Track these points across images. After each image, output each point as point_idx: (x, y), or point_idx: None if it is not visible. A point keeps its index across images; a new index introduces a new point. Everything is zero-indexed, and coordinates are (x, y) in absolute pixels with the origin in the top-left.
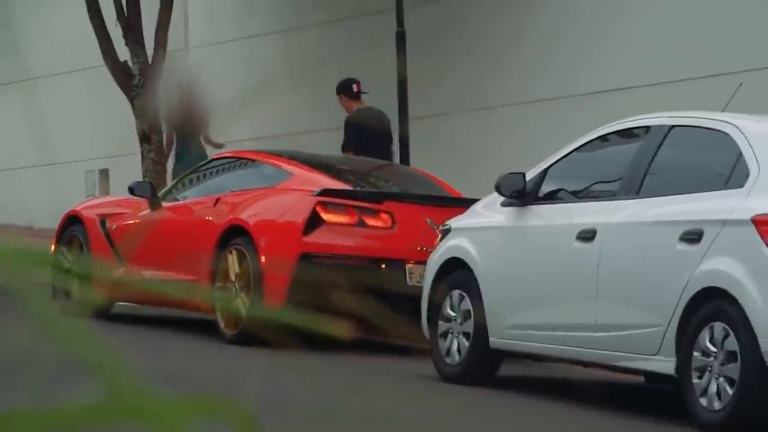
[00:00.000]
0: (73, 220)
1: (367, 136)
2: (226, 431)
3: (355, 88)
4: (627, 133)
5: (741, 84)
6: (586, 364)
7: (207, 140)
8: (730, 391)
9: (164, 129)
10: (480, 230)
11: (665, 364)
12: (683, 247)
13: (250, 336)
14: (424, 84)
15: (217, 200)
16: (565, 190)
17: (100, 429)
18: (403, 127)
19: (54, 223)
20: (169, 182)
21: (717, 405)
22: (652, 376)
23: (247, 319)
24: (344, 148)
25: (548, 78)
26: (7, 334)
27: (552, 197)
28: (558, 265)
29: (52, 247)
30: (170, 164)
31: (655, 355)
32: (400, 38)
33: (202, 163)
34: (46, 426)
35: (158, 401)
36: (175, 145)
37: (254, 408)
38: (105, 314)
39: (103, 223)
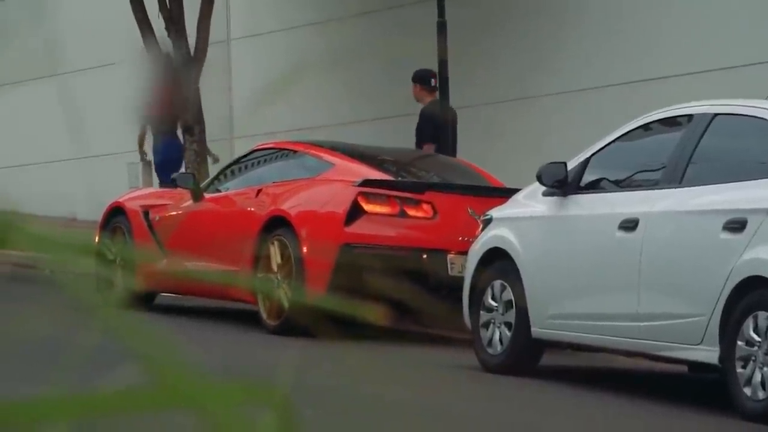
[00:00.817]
0: (116, 211)
1: (439, 130)
2: (265, 415)
3: (432, 81)
4: (669, 122)
5: None
6: (629, 354)
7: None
8: None
9: (139, 124)
10: (521, 220)
11: (709, 354)
12: (726, 236)
13: (292, 326)
14: (464, 74)
15: (259, 191)
16: (607, 180)
17: (140, 416)
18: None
19: (98, 214)
20: (142, 180)
21: (761, 394)
22: (695, 366)
23: (290, 308)
24: (421, 140)
25: (589, 68)
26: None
27: (594, 187)
28: (600, 255)
29: (96, 237)
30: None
31: (698, 344)
32: (441, 28)
33: (244, 154)
34: (84, 412)
35: (198, 386)
36: (153, 140)
37: (289, 393)
38: (148, 305)
39: (146, 214)
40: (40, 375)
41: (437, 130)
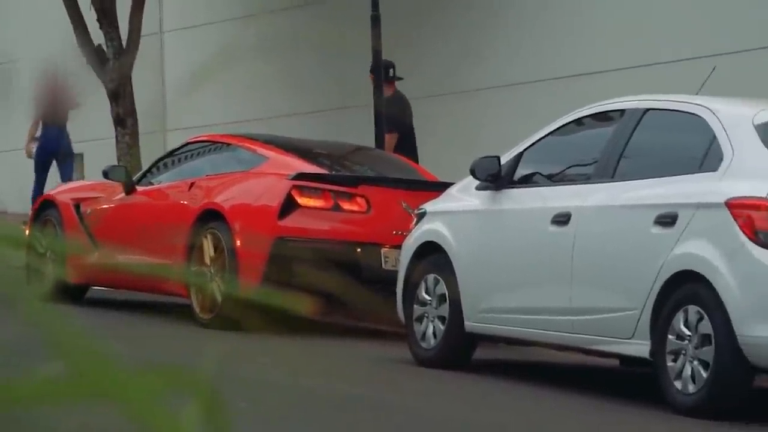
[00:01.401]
0: (47, 204)
1: (402, 124)
2: (190, 404)
3: (391, 71)
4: (601, 117)
5: (715, 68)
6: (561, 348)
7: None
8: (705, 375)
9: (32, 115)
10: (455, 214)
11: (640, 348)
12: (658, 230)
13: (225, 320)
14: (398, 67)
15: (192, 184)
16: (540, 174)
17: (62, 406)
18: (378, 111)
19: (28, 207)
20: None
21: (691, 388)
22: (626, 360)
23: (223, 301)
24: (388, 130)
25: (523, 62)
26: None
27: (527, 181)
28: (533, 249)
29: (27, 230)
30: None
31: (629, 338)
32: (375, 21)
33: (177, 147)
34: (4, 401)
35: (121, 374)
36: (40, 132)
37: (214, 381)
38: (79, 299)
39: (77, 207)
40: None
41: (398, 120)
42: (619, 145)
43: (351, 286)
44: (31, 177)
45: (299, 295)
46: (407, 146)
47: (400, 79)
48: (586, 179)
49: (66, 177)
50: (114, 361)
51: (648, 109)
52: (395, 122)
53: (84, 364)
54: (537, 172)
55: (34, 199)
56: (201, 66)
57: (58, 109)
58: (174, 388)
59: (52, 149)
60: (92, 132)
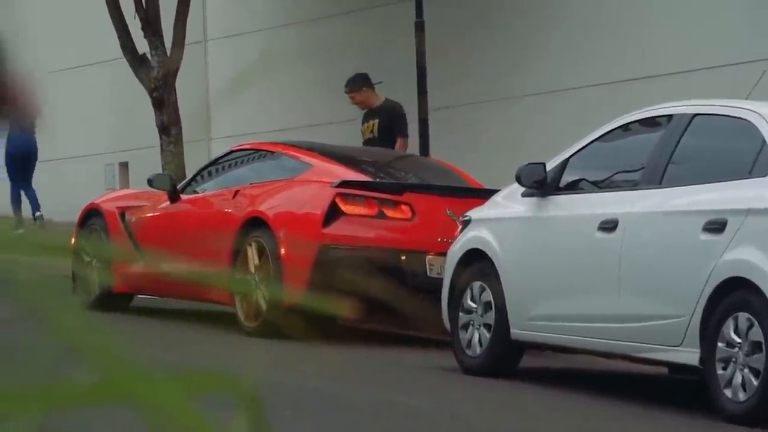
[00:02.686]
0: (93, 213)
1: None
2: (231, 407)
3: (372, 80)
4: (649, 122)
5: (765, 72)
6: (609, 356)
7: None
8: (755, 382)
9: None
10: (500, 221)
11: (689, 355)
12: (707, 237)
13: (270, 328)
14: (443, 74)
15: (237, 192)
16: (587, 180)
17: (101, 410)
18: (422, 117)
19: (74, 216)
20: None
21: (742, 396)
22: (675, 368)
23: (268, 308)
24: (407, 134)
25: (570, 67)
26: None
27: (573, 187)
28: (579, 256)
29: (72, 240)
30: None
31: (678, 346)
32: (419, 28)
33: (221, 155)
34: (41, 406)
35: (154, 378)
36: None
37: (257, 387)
38: (125, 307)
39: (122, 215)
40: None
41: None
42: (666, 151)
43: (396, 292)
44: (74, 187)
45: (342, 299)
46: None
47: (379, 82)
48: (634, 185)
49: (25, 183)
50: (146, 366)
51: (696, 114)
52: (391, 129)
53: (117, 367)
54: (583, 179)
55: (13, 202)
56: (242, 71)
57: (22, 115)
58: (218, 394)
59: (20, 155)
60: (137, 140)
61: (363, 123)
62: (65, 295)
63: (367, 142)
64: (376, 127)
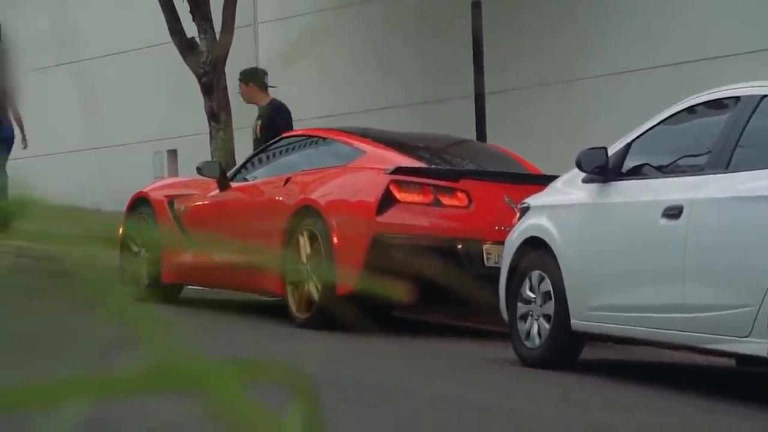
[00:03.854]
0: (141, 202)
1: (278, 133)
2: (285, 397)
3: (266, 80)
4: (715, 104)
5: None
6: (674, 347)
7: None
8: None
9: None
10: (560, 208)
11: (758, 346)
12: None
13: (322, 319)
14: (500, 56)
15: (288, 180)
16: (650, 165)
17: (156, 397)
18: (479, 102)
19: (122, 205)
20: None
21: None
22: (743, 359)
23: (319, 299)
24: (266, 138)
25: (633, 48)
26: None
27: (636, 172)
28: (643, 244)
29: (120, 229)
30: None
31: (746, 336)
32: (476, 8)
33: (272, 141)
34: (96, 394)
35: (209, 366)
36: None
37: (311, 376)
38: (173, 298)
39: (171, 204)
40: (55, 364)
41: (277, 129)
42: (734, 134)
43: (452, 280)
44: (122, 175)
45: (396, 283)
46: None
47: (273, 87)
48: (699, 170)
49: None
50: (200, 353)
51: (765, 96)
52: (274, 130)
53: (171, 354)
54: (647, 164)
55: None
56: (288, 48)
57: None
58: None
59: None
60: (185, 128)
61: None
62: (117, 284)
63: (254, 144)
64: (258, 127)
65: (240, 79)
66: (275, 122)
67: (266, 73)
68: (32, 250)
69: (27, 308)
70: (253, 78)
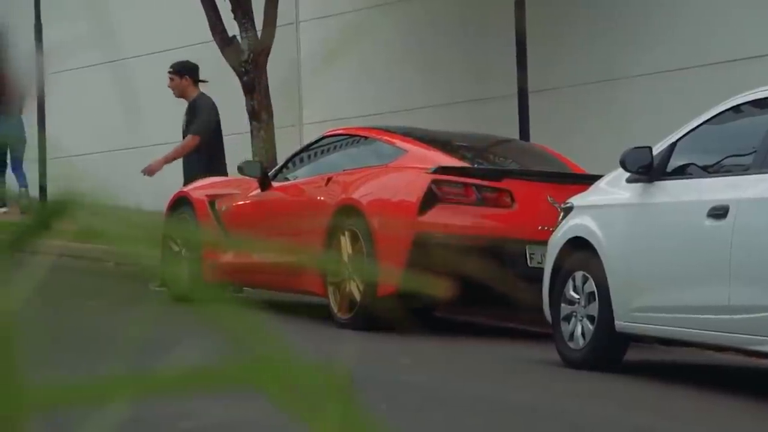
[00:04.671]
0: (182, 201)
1: (208, 129)
2: (319, 395)
3: (199, 74)
4: (761, 103)
5: None
6: (719, 349)
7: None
8: None
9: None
10: (604, 208)
11: None
12: None
13: (364, 320)
14: (544, 54)
15: (329, 179)
16: (695, 165)
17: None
18: (522, 100)
19: (162, 205)
20: None
21: None
22: None
23: (361, 299)
24: (198, 132)
25: (676, 47)
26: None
27: (681, 172)
28: (688, 244)
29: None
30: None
31: None
32: (519, 6)
33: (313, 141)
34: (141, 392)
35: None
36: None
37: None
38: None
39: (212, 204)
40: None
41: (205, 124)
42: None
43: (495, 280)
44: (163, 174)
45: (437, 279)
46: (213, 152)
47: (205, 81)
48: (745, 170)
49: (16, 165)
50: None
51: None
52: (202, 126)
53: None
54: (692, 163)
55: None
56: (330, 46)
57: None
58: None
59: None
60: (226, 126)
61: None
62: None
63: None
64: (184, 123)
65: (175, 72)
66: (202, 117)
67: (198, 67)
68: (73, 250)
69: (71, 308)
70: (190, 71)
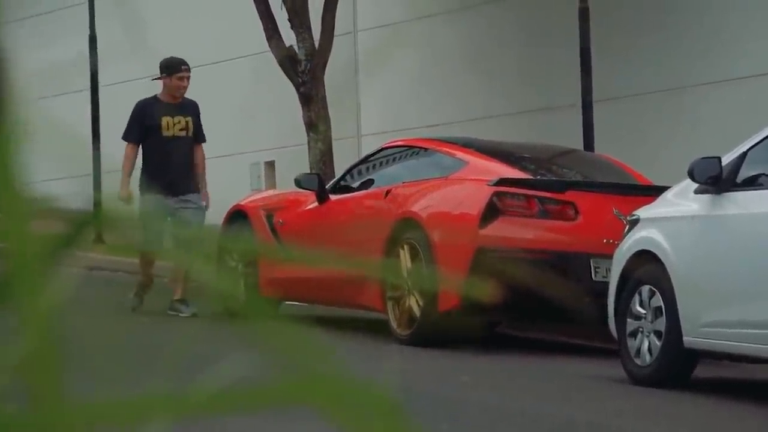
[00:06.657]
0: (238, 215)
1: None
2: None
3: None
4: None
5: None
6: None
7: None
8: None
9: None
10: (672, 220)
11: None
12: None
13: (424, 336)
14: (609, 64)
15: (388, 192)
16: (766, 175)
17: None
18: (587, 110)
19: (219, 218)
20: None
21: None
22: None
23: (422, 315)
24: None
25: (746, 54)
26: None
27: (752, 183)
28: (759, 257)
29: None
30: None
31: None
32: (583, 15)
33: (372, 152)
34: (179, 412)
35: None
36: None
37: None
38: None
39: (269, 217)
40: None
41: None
42: None
43: (559, 294)
44: (219, 187)
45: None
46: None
47: (156, 79)
48: None
49: None
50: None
51: None
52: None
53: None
54: (763, 173)
55: None
56: (375, 50)
57: None
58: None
59: None
60: (284, 139)
61: (167, 116)
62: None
63: (176, 141)
64: (191, 124)
65: (168, 72)
66: (198, 121)
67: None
68: (114, 264)
69: (107, 323)
70: (176, 70)
